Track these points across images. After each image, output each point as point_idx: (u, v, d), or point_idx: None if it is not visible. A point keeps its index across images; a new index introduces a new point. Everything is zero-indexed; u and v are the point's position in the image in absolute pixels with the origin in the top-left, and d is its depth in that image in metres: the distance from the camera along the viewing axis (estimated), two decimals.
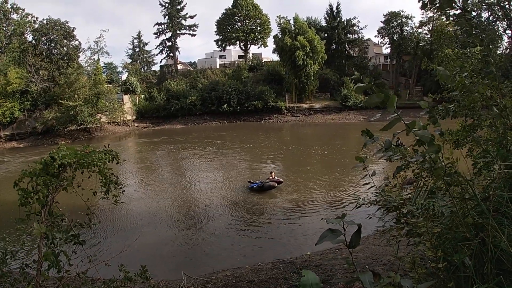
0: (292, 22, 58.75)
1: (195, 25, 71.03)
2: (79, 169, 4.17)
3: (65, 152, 4.02)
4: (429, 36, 56.39)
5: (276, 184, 18.85)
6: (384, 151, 2.43)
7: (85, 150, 4.20)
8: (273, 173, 20.19)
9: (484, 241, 2.51)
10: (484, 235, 2.53)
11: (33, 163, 4.19)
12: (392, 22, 60.58)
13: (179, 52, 78.50)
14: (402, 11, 59.65)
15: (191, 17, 70.37)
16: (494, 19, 53.09)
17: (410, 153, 3.24)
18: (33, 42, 50.54)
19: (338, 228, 1.85)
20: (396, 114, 2.04)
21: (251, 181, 19.65)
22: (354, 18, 66.31)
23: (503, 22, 53.17)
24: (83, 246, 4.01)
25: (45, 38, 50.98)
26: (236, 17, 69.90)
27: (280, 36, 58.69)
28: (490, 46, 4.54)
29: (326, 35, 64.89)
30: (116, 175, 4.67)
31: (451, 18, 4.64)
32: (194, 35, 71.93)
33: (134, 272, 4.63)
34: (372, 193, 4.05)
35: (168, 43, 71.46)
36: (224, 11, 70.65)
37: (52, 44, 51.61)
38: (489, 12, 52.24)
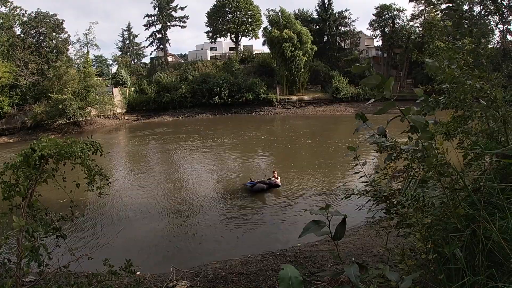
0: (280, 14, 58.50)
1: (186, 17, 70.38)
2: (61, 161, 4.05)
3: (46, 143, 3.90)
4: (420, 29, 56.56)
5: (266, 187, 17.80)
6: (376, 138, 2.36)
7: (66, 141, 4.07)
8: (276, 172, 19.11)
9: (475, 232, 2.47)
10: (475, 226, 2.49)
11: (15, 155, 4.06)
12: (384, 15, 60.72)
13: (169, 44, 78.03)
14: (394, 4, 59.99)
15: (182, 8, 69.56)
16: (486, 14, 53.43)
17: (401, 144, 3.18)
18: (22, 35, 49.64)
19: (322, 220, 1.76)
20: (391, 100, 1.98)
21: (252, 179, 18.67)
22: (346, 10, 66.25)
23: (495, 17, 53.59)
24: (65, 240, 3.90)
25: (34, 31, 50.03)
26: (227, 9, 69.10)
27: (269, 28, 58.54)
28: (482, 40, 4.48)
29: (317, 27, 64.84)
30: (105, 167, 4.56)
31: (442, 10, 4.60)
32: (184, 27, 71.20)
33: (119, 266, 4.53)
34: (362, 183, 4.00)
35: (158, 35, 70.66)
36: (215, 3, 69.94)
37: (41, 37, 50.68)
38: (481, 7, 52.59)
